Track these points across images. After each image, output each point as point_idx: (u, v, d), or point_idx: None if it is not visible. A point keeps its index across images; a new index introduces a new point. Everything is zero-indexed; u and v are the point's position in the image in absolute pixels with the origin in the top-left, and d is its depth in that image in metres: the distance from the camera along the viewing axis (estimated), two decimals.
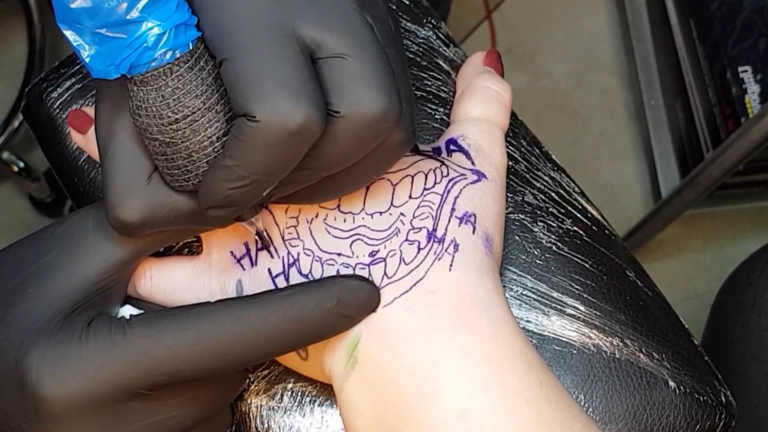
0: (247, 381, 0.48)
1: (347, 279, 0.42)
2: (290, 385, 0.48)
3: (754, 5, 1.14)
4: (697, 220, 1.36)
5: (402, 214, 0.45)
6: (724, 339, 0.85)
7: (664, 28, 1.28)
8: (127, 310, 0.45)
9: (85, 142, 0.51)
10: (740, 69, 1.14)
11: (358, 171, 0.41)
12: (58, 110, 0.54)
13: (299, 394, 0.48)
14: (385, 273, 0.43)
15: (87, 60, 0.36)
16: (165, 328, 0.40)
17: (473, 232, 0.44)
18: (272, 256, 0.45)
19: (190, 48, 0.37)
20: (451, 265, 0.43)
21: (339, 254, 0.44)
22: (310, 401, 0.48)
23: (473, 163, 0.47)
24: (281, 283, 0.45)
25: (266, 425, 0.47)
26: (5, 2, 1.40)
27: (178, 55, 0.37)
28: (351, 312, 0.42)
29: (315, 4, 0.38)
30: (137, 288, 0.46)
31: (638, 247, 1.27)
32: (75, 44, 0.36)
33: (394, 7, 0.55)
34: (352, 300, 0.42)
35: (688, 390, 0.48)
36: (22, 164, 1.34)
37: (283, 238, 0.45)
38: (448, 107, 0.52)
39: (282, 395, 0.48)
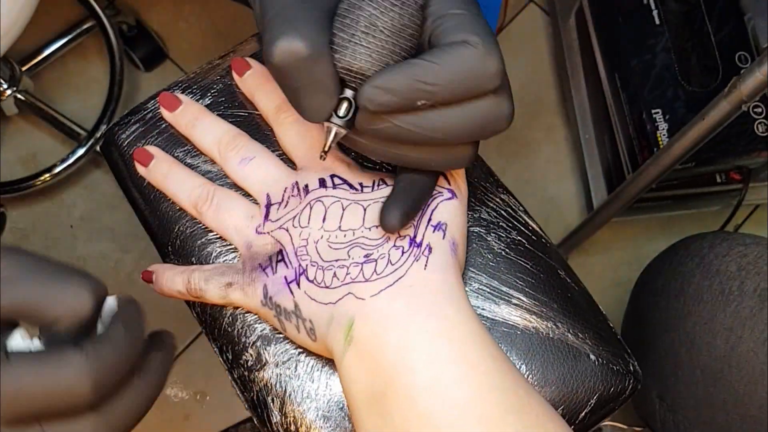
0: (269, 356, 0.48)
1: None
2: (302, 357, 0.48)
3: (664, 63, 1.14)
4: (621, 225, 1.36)
5: None
6: (641, 316, 0.85)
7: (595, 80, 1.28)
8: (16, 340, 0.34)
9: (147, 173, 0.51)
10: (653, 111, 1.14)
11: (461, 119, 0.39)
12: (126, 148, 0.54)
13: (309, 365, 0.48)
14: (375, 270, 0.43)
15: None
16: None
17: (443, 237, 0.44)
18: (287, 266, 0.45)
19: None
20: (426, 265, 0.43)
21: (337, 260, 0.44)
22: (318, 370, 0.48)
23: (448, 183, 0.46)
24: (294, 287, 0.45)
25: (283, 388, 0.47)
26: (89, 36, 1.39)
27: None
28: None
29: None
30: (189, 292, 0.46)
31: (575, 247, 1.27)
32: None
33: None
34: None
35: (604, 361, 0.48)
36: None
37: (296, 253, 0.45)
38: None
39: (296, 366, 0.48)
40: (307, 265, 0.45)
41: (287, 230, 0.46)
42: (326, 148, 0.41)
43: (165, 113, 0.52)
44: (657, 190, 1.21)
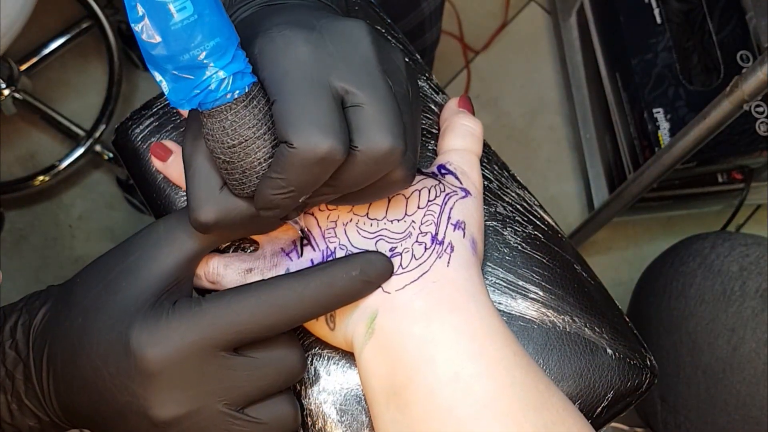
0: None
1: (367, 253, 0.43)
2: (319, 351, 0.48)
3: (664, 62, 1.15)
4: (622, 225, 1.36)
5: (413, 221, 0.45)
6: (642, 316, 0.85)
7: (596, 79, 1.29)
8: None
9: (164, 167, 0.51)
10: (654, 111, 1.14)
11: (368, 193, 0.42)
12: (140, 142, 0.53)
13: (326, 358, 0.47)
14: (400, 264, 0.43)
15: (166, 93, 0.36)
16: (231, 298, 0.41)
17: (463, 236, 0.44)
18: (314, 249, 0.45)
19: (246, 91, 0.37)
20: (448, 262, 0.43)
21: (366, 251, 0.44)
22: (334, 364, 0.47)
23: (461, 183, 0.47)
24: None
25: (300, 381, 0.47)
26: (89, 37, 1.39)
27: (236, 96, 0.37)
28: (371, 278, 0.42)
29: (348, 65, 0.39)
30: (206, 277, 0.46)
31: (576, 246, 1.26)
32: (158, 80, 0.36)
33: None
34: (371, 269, 0.42)
35: (621, 356, 0.48)
36: (111, 155, 1.35)
37: (323, 236, 0.45)
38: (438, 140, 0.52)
39: (312, 359, 0.47)
40: (335, 248, 0.45)
41: (312, 214, 0.46)
42: (305, 235, 0.45)
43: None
44: (658, 190, 1.21)
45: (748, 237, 0.79)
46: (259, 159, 0.38)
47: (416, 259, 0.43)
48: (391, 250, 0.44)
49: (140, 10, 0.34)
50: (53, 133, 1.37)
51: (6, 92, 1.27)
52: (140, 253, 0.43)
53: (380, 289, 0.43)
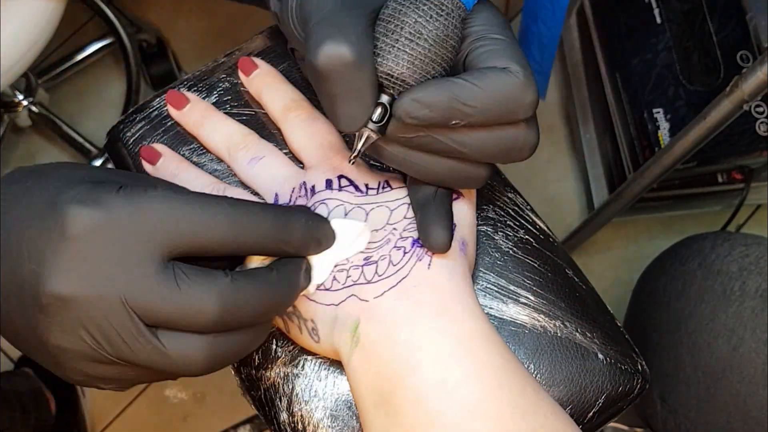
0: (277, 355, 0.48)
1: (316, 220, 0.42)
2: (310, 356, 0.48)
3: (664, 62, 1.14)
4: (622, 225, 1.36)
5: (394, 228, 0.45)
6: (642, 316, 0.85)
7: (596, 80, 1.28)
8: None
9: (154, 171, 0.51)
10: (654, 111, 1.14)
11: (490, 141, 0.40)
12: (132, 145, 0.53)
13: (317, 363, 0.47)
14: (376, 272, 0.43)
15: None
16: (196, 197, 0.37)
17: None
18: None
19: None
20: (429, 264, 0.43)
21: (335, 264, 0.44)
22: (324, 369, 0.47)
23: None
24: None
25: (291, 386, 0.47)
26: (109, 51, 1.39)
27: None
28: (319, 236, 0.42)
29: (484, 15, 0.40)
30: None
31: (576, 247, 1.27)
32: None
33: None
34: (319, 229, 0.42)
35: (612, 361, 0.48)
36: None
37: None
38: None
39: (303, 364, 0.47)
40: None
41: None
42: (356, 153, 0.41)
43: (172, 111, 0.52)
44: (658, 190, 1.21)
45: (748, 237, 0.79)
46: (442, 57, 0.39)
47: (393, 265, 0.43)
48: (365, 259, 0.44)
49: None
50: (66, 147, 1.37)
51: (24, 103, 1.27)
52: None
53: (356, 298, 0.43)
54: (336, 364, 0.47)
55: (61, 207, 0.35)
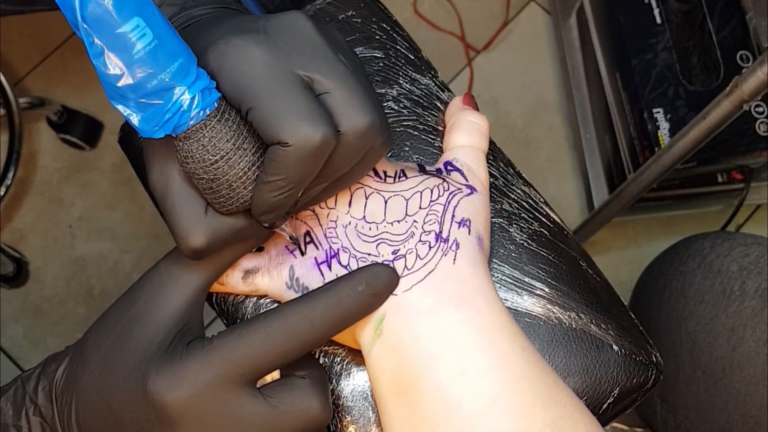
0: None
1: (372, 266, 0.42)
2: (324, 348, 0.48)
3: (665, 62, 1.15)
4: (621, 225, 1.36)
5: (415, 221, 0.45)
6: (642, 316, 0.85)
7: (596, 79, 1.29)
8: None
9: None
10: (654, 111, 1.14)
11: (353, 172, 0.42)
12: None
13: (332, 355, 0.48)
14: (405, 266, 0.43)
15: (137, 125, 0.36)
16: (241, 331, 0.40)
17: (469, 233, 0.44)
18: (317, 248, 0.45)
19: (216, 105, 0.37)
20: (454, 259, 0.43)
21: (369, 254, 0.44)
22: (339, 361, 0.47)
23: (467, 180, 0.47)
24: (324, 269, 0.45)
25: None
26: None
27: (208, 112, 0.37)
28: (378, 291, 0.42)
29: (302, 53, 0.39)
30: (223, 282, 0.46)
31: None
32: (125, 115, 0.36)
33: (402, 61, 0.55)
34: (377, 281, 0.42)
35: (627, 352, 0.48)
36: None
37: (325, 235, 0.46)
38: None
39: (318, 356, 0.48)
40: (339, 249, 0.45)
41: (313, 211, 0.46)
42: (295, 240, 0.46)
43: None
44: (658, 190, 1.22)
45: (748, 237, 0.79)
46: (243, 169, 0.39)
47: (421, 259, 0.43)
48: (393, 252, 0.44)
49: (99, 43, 0.34)
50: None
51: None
52: (146, 299, 0.43)
53: None
54: (352, 354, 0.47)
55: (152, 395, 0.40)
